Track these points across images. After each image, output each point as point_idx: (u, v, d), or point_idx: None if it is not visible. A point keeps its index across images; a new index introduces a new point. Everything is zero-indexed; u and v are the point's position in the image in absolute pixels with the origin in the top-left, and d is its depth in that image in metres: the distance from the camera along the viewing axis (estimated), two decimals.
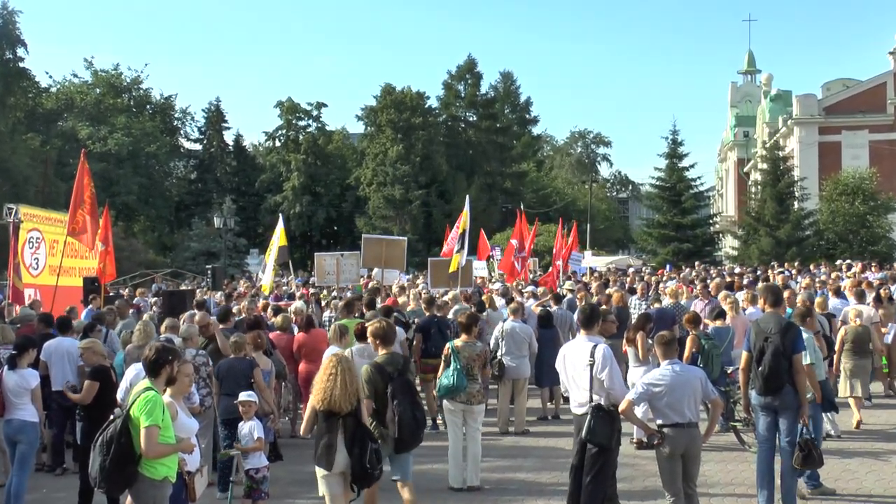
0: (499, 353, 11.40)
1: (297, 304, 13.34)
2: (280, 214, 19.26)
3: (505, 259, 21.34)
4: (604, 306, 11.99)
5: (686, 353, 10.10)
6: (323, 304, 14.86)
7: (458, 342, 8.75)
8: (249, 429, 7.46)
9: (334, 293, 17.42)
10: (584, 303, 13.91)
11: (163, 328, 10.12)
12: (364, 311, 12.03)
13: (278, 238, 17.42)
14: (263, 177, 63.74)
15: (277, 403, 10.06)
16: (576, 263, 24.63)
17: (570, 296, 16.46)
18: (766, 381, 7.28)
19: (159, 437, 5.31)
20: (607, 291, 16.75)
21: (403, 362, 7.26)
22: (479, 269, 22.19)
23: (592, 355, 6.62)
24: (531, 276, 22.75)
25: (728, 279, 19.97)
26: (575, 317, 13.76)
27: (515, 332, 11.44)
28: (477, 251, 23.86)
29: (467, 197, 18.42)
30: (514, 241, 20.58)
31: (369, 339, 7.95)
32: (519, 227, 21.26)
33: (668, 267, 31.92)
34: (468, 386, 8.56)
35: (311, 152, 63.27)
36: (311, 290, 17.08)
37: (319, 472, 6.22)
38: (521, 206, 27.53)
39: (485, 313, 13.20)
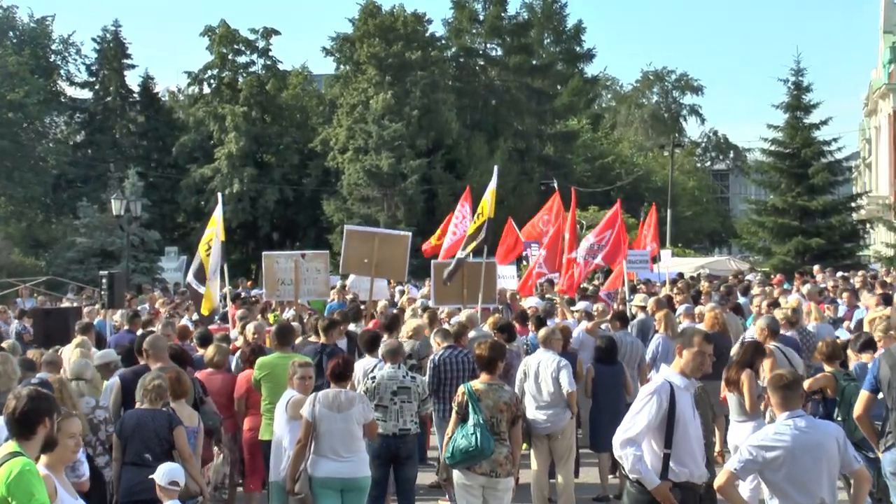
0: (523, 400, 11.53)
1: (253, 324, 13.57)
2: (219, 195, 19.43)
3: (549, 258, 21.36)
4: None
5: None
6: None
7: (477, 384, 8.99)
8: None
9: (289, 313, 17.40)
10: (664, 326, 13.97)
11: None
12: (377, 335, 12.26)
13: (219, 231, 17.42)
14: (185, 139, 63.41)
15: (210, 477, 9.98)
16: (642, 266, 24.51)
17: (642, 315, 16.41)
18: None
19: None
20: (698, 310, 16.69)
21: None
22: (507, 276, 22.03)
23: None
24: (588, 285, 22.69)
25: (880, 291, 19.76)
26: (651, 348, 13.96)
27: (543, 367, 11.54)
28: (502, 250, 23.56)
29: (495, 169, 18.28)
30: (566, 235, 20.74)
31: None
32: (563, 211, 21.26)
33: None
34: (495, 450, 8.71)
35: (255, 103, 63.25)
36: (239, 311, 17.13)
37: None
38: (555, 184, 27.13)
39: (515, 343, 13.29)
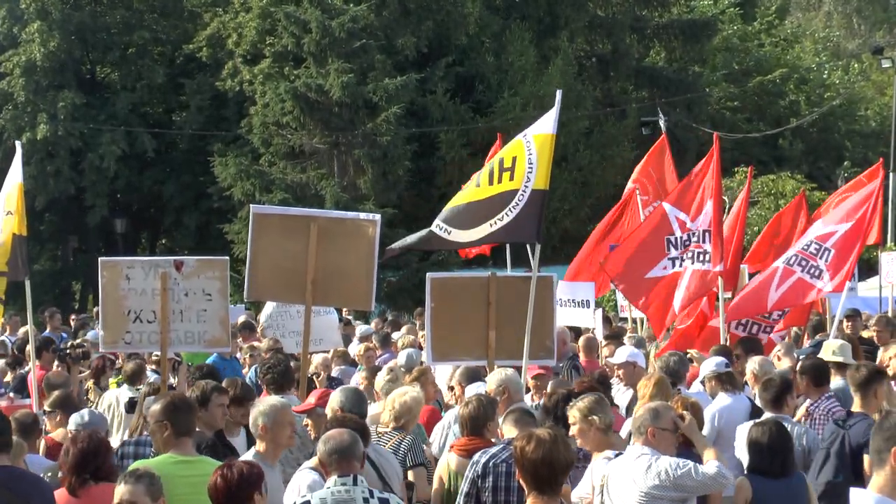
0: None
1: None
2: (18, 145, 15.32)
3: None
4: None
5: None
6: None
7: None
8: None
9: (150, 378, 14.17)
10: (865, 403, 10.61)
11: None
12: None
13: (4, 222, 13.58)
14: None
15: None
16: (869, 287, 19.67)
17: (838, 381, 12.69)
18: None
19: None
20: None
21: None
22: (578, 304, 17.44)
23: None
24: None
25: None
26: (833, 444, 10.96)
27: (629, 482, 8.51)
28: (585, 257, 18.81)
29: (558, 95, 13.30)
30: (689, 221, 15.48)
31: None
32: (711, 182, 15.76)
33: None
34: None
35: None
36: (50, 374, 14.13)
37: None
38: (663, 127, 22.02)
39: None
